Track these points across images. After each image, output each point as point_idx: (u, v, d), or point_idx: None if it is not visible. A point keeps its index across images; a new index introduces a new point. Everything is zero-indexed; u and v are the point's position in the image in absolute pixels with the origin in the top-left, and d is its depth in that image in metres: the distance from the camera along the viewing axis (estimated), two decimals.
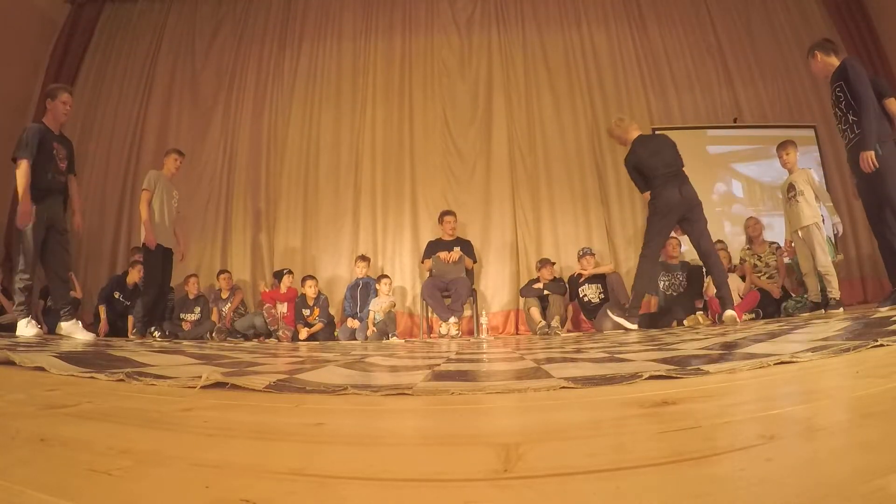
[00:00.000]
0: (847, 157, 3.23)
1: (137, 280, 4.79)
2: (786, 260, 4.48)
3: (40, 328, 3.37)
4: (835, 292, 3.55)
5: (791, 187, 3.83)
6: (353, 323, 4.80)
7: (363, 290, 4.92)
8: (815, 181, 3.78)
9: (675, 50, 6.16)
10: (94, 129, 6.10)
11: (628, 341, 2.34)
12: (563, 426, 0.61)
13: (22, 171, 3.23)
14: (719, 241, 4.89)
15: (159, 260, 4.15)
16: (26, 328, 3.27)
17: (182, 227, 4.56)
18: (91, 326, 5.00)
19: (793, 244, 3.91)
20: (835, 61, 3.20)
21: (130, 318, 4.68)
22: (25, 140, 3.28)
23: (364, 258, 5.11)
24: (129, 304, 4.83)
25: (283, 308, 4.88)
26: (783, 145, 3.96)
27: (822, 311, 3.55)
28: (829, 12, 6.03)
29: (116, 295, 4.91)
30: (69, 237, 3.60)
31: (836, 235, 3.96)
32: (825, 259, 3.60)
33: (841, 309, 3.45)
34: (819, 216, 3.70)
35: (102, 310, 4.81)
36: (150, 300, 4.18)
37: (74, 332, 3.40)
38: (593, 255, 4.90)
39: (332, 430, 0.62)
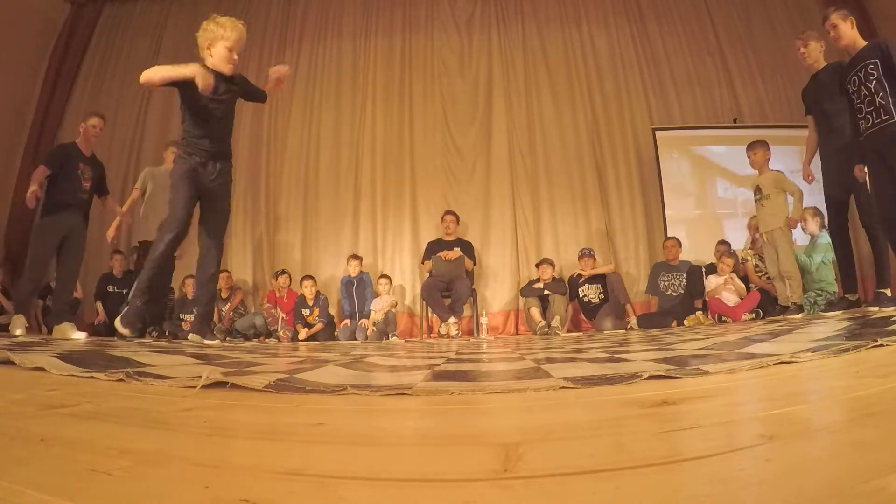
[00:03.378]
0: (862, 141, 2.92)
1: (123, 268, 4.97)
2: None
3: (27, 326, 3.46)
4: (795, 297, 3.54)
5: (758, 190, 3.81)
6: (361, 322, 4.77)
7: (358, 287, 4.91)
8: (784, 181, 3.70)
9: (675, 50, 6.15)
10: None
11: (628, 341, 2.34)
12: (563, 426, 0.61)
13: (37, 172, 3.49)
14: (724, 243, 4.89)
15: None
16: (16, 324, 3.38)
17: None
18: (92, 326, 5.04)
19: (757, 242, 3.90)
20: (860, 38, 2.96)
21: None
22: (52, 154, 3.63)
23: (356, 257, 5.08)
24: (125, 291, 4.89)
25: (282, 313, 4.90)
26: (751, 145, 3.92)
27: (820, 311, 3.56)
28: None
29: (110, 289, 4.96)
30: (83, 248, 3.75)
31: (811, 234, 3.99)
32: (788, 263, 3.59)
33: (799, 315, 3.43)
34: (784, 219, 3.66)
35: (99, 305, 4.93)
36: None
37: (68, 333, 3.47)
38: (593, 255, 4.90)
39: (332, 430, 0.62)
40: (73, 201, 3.56)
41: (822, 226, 3.98)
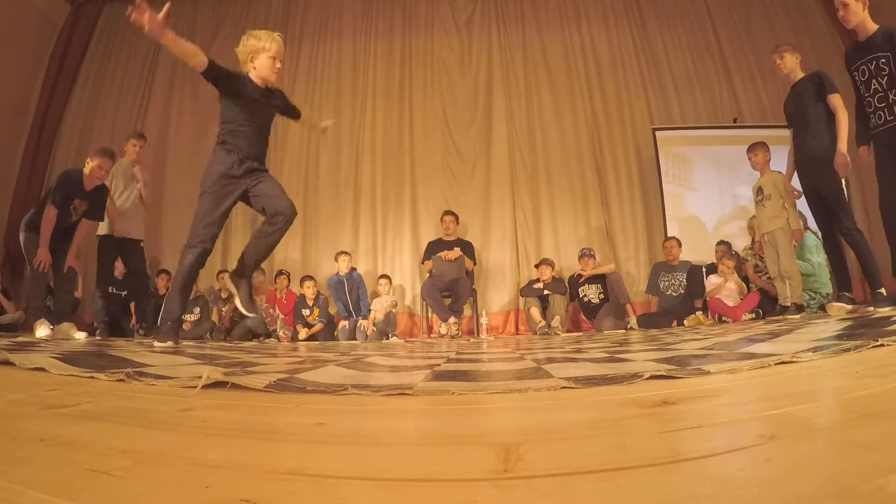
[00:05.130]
0: (875, 139, 2.86)
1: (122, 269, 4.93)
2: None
3: (51, 329, 3.47)
4: (795, 297, 3.54)
5: (759, 191, 3.80)
6: (361, 323, 4.74)
7: (350, 287, 4.86)
8: (782, 185, 3.67)
9: (675, 50, 6.15)
10: (94, 128, 6.09)
11: (628, 341, 2.34)
12: (563, 426, 0.61)
13: (47, 219, 3.44)
14: (724, 243, 4.88)
15: (112, 251, 4.12)
16: (40, 329, 3.42)
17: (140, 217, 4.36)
18: (92, 326, 5.04)
19: (758, 243, 3.90)
20: (870, 20, 2.80)
21: (132, 306, 4.71)
22: (57, 188, 3.48)
23: (346, 253, 5.03)
24: (124, 293, 4.88)
25: (280, 314, 4.90)
26: (752, 147, 3.91)
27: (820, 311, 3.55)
28: (829, 12, 6.02)
29: (110, 290, 4.95)
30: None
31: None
32: (789, 264, 3.58)
33: (798, 315, 3.42)
34: (784, 220, 3.63)
35: None
36: (96, 293, 4.32)
37: (70, 332, 3.52)
38: (593, 255, 4.90)
39: (332, 430, 0.62)
40: (57, 230, 3.55)
41: (806, 227, 3.98)
